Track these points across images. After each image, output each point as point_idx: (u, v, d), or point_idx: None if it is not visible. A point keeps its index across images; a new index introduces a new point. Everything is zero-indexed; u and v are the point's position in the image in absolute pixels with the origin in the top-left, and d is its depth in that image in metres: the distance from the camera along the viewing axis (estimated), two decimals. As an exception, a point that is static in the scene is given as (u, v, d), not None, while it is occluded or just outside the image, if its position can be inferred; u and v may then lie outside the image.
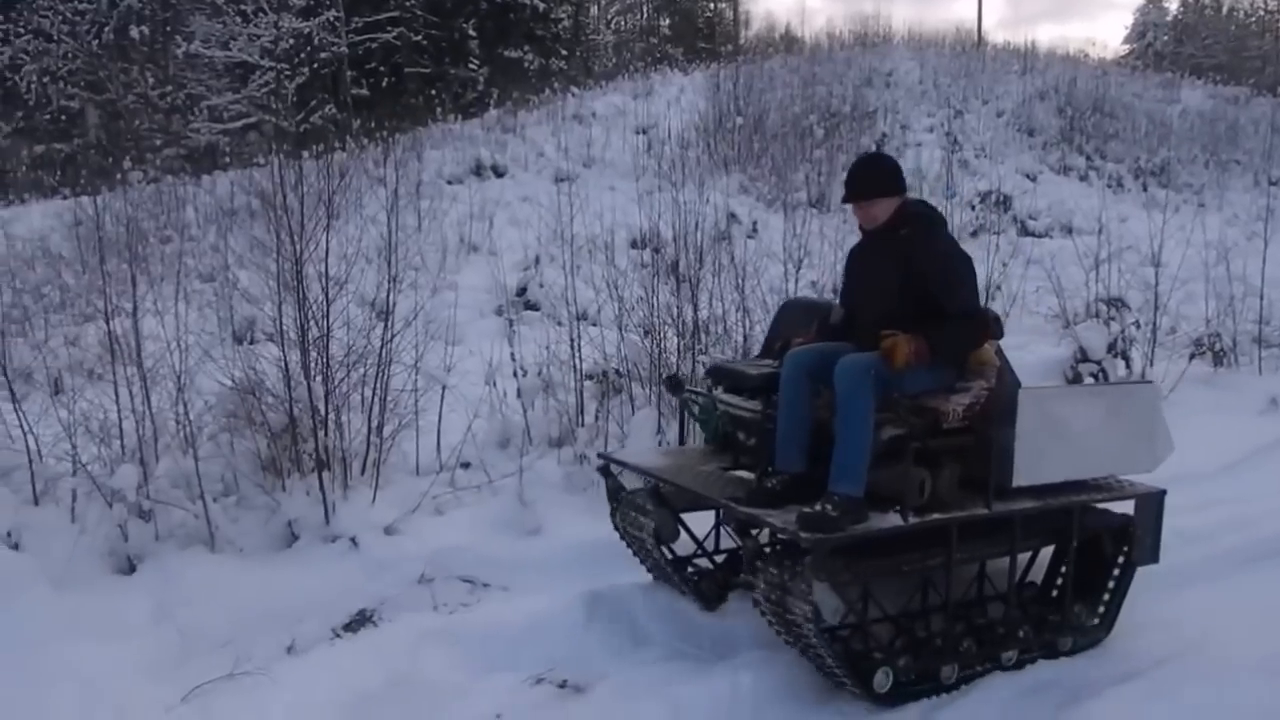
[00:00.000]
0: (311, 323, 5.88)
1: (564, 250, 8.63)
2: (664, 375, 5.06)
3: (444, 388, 6.67)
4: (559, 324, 8.31)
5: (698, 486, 4.41)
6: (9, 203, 17.62)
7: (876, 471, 3.96)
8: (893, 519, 3.93)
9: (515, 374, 7.29)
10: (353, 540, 5.51)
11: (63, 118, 24.48)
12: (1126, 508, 4.53)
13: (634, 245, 11.54)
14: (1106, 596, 4.57)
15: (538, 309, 10.58)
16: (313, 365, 5.86)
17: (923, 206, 4.45)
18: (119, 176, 12.47)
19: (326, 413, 5.89)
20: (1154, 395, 4.64)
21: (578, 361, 7.11)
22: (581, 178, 15.39)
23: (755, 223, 13.18)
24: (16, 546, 5.04)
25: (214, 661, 4.48)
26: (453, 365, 6.88)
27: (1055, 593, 4.56)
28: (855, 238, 4.67)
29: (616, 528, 4.93)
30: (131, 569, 5.27)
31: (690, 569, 4.85)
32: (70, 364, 7.50)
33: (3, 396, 5.60)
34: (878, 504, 3.95)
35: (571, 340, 7.17)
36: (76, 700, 4.13)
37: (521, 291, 11.01)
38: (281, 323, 5.87)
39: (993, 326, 4.41)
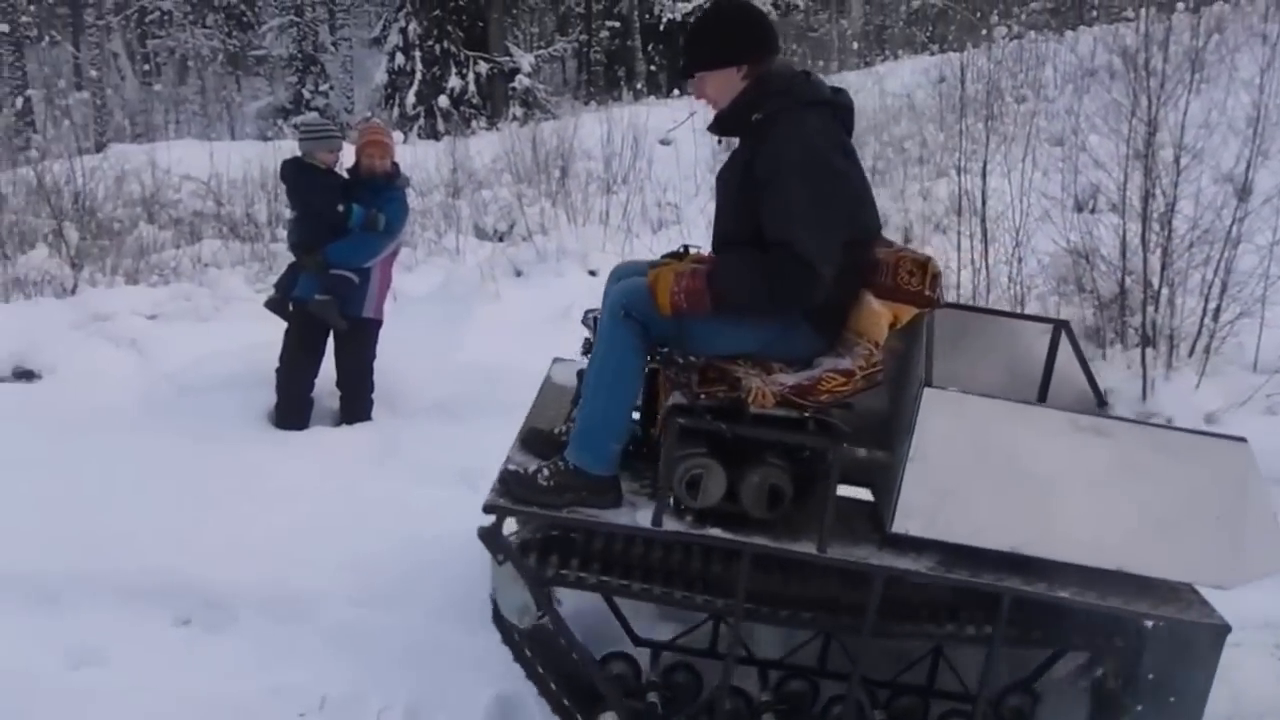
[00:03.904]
0: (1158, 193, 5.66)
1: None
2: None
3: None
4: None
5: (535, 421, 3.46)
6: (884, 58, 19.25)
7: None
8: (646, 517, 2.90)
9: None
10: (1168, 420, 5.34)
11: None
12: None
13: None
14: None
15: None
16: (1152, 238, 5.66)
17: (795, 84, 2.99)
18: (984, 32, 12.84)
19: (1160, 288, 5.68)
20: (1241, 463, 2.75)
21: None
22: None
23: None
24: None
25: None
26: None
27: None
28: None
29: None
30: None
31: None
32: (920, 215, 8.18)
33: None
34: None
35: None
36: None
37: None
38: (1126, 191, 5.74)
39: (889, 279, 2.92)
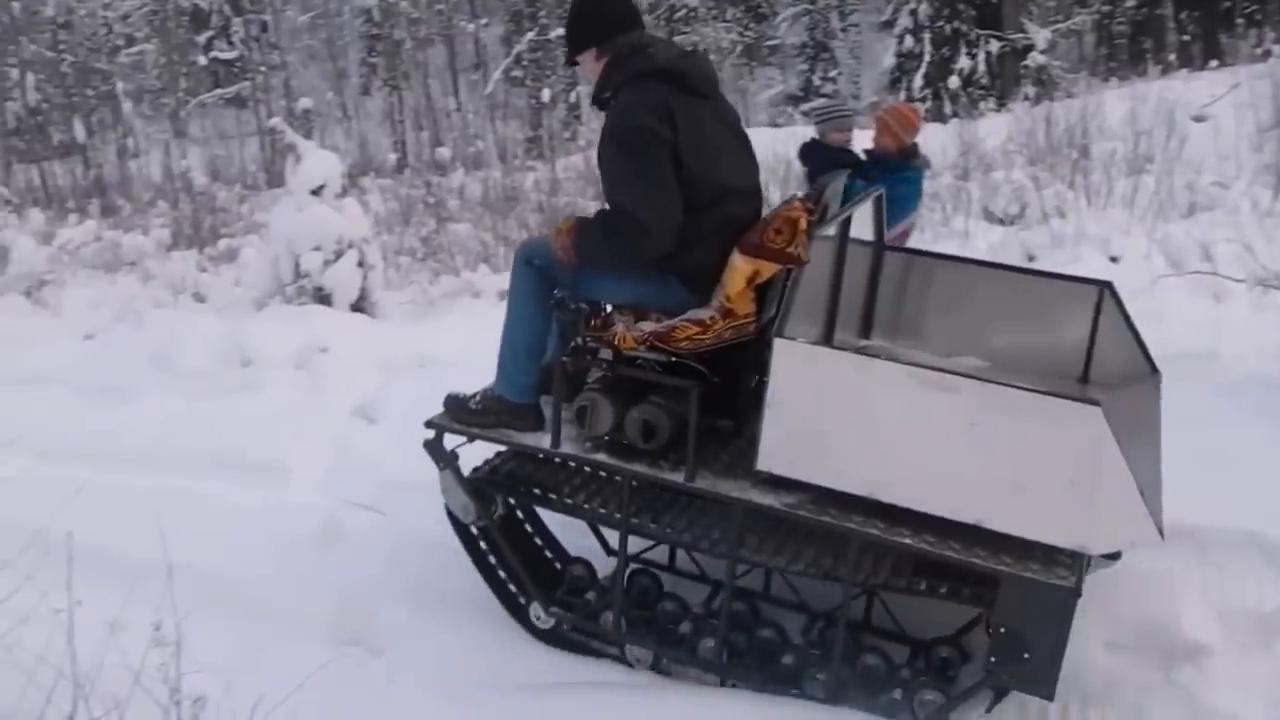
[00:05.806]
0: None
1: None
2: None
3: None
4: None
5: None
6: None
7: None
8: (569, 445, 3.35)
9: None
10: None
11: None
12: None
13: None
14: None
15: None
16: None
17: (632, 61, 3.28)
18: None
19: None
20: (1092, 427, 2.64)
21: None
22: None
23: None
24: None
25: None
26: None
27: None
28: None
29: None
30: None
31: None
32: None
33: None
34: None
35: None
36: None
37: None
38: None
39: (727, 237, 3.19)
